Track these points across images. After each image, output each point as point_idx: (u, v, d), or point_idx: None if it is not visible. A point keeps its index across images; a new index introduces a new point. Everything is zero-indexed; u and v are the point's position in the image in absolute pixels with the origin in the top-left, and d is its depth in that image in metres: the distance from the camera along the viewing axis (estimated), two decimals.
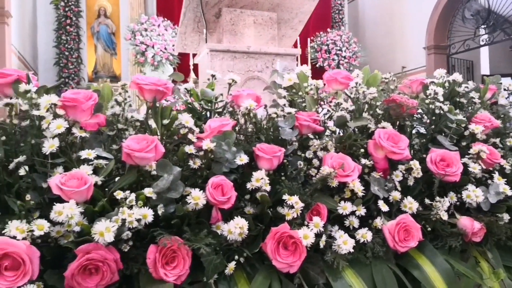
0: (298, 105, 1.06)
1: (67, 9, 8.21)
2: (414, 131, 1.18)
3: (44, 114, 0.84)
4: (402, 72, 1.23)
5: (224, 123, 0.94)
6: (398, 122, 1.14)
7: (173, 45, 7.00)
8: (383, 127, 1.06)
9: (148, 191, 0.82)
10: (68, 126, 0.81)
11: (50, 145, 0.80)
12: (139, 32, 6.86)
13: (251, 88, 1.05)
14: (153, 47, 6.80)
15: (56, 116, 0.83)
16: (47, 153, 0.80)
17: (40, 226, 0.73)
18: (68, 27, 8.24)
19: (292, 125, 0.98)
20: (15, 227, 0.72)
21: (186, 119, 0.93)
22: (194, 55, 7.34)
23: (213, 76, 1.05)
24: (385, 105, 1.10)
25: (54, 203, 0.75)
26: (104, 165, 0.86)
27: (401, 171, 1.02)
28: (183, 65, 7.35)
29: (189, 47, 2.35)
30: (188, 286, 0.81)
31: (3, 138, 0.83)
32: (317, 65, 8.49)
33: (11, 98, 0.87)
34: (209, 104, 1.01)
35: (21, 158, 0.81)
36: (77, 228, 0.76)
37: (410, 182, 1.03)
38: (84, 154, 0.82)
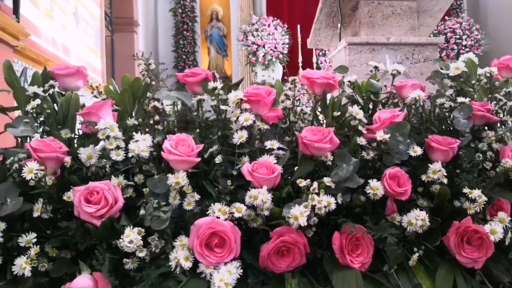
0: (468, 94, 1.01)
1: (183, 15, 8.83)
2: None
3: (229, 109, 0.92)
4: None
5: (396, 114, 0.93)
6: None
7: (283, 44, 7.12)
8: None
9: (327, 181, 0.85)
10: (254, 119, 0.88)
11: (239, 137, 0.87)
12: (250, 33, 7.11)
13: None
14: (264, 46, 7.00)
15: (242, 110, 0.90)
16: (236, 143, 0.87)
17: (239, 209, 0.80)
18: (185, 32, 8.86)
19: (467, 115, 0.94)
20: (217, 209, 0.80)
21: (356, 111, 0.94)
22: (304, 52, 7.40)
23: (376, 68, 1.05)
24: None
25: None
26: (282, 155, 0.91)
27: None
28: (292, 63, 7.45)
29: (321, 43, 2.38)
30: (370, 274, 0.83)
31: (197, 130, 0.93)
32: None
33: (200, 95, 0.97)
34: (374, 96, 1.01)
35: (214, 148, 0.89)
36: (266, 212, 0.82)
37: None
38: (269, 144, 0.88)
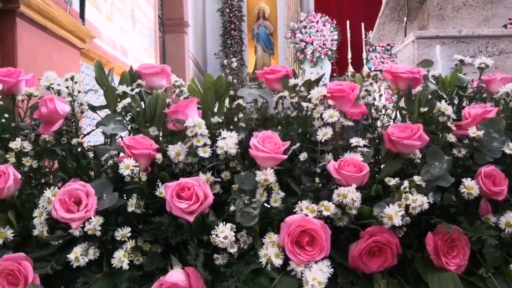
0: None
1: (231, 14, 8.93)
2: None
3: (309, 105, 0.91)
4: None
5: (488, 109, 0.89)
6: None
7: (332, 40, 7.02)
8: None
9: (417, 179, 0.82)
10: (339, 116, 0.86)
11: (324, 133, 0.86)
12: (298, 30, 7.06)
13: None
14: (312, 43, 6.93)
15: (325, 106, 0.89)
16: (321, 141, 0.86)
17: (327, 207, 0.79)
18: (232, 31, 8.96)
19: None
20: (305, 206, 0.79)
21: (445, 107, 0.90)
22: (353, 48, 7.27)
23: (461, 61, 1.00)
24: None
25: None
26: (366, 152, 0.89)
27: None
28: (341, 59, 7.34)
29: (385, 38, 2.32)
30: (466, 277, 0.79)
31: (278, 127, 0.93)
32: None
33: (278, 92, 0.96)
34: (462, 90, 0.96)
35: (296, 146, 0.88)
36: (354, 211, 0.80)
37: None
38: (354, 141, 0.86)
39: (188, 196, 0.78)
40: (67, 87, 0.88)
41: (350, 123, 0.89)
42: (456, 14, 1.91)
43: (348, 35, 7.26)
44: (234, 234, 0.75)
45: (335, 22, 7.35)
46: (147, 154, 0.83)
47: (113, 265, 0.76)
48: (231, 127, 0.91)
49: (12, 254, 0.75)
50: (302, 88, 0.93)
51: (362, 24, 7.34)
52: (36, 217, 0.80)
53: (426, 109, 0.91)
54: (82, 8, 2.71)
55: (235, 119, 0.91)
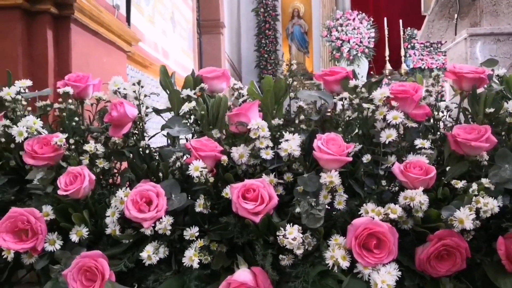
0: None
1: (266, 14, 8.94)
2: None
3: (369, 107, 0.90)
4: None
5: None
6: None
7: (369, 38, 6.91)
8: None
9: (485, 182, 0.80)
10: (403, 117, 0.85)
11: (387, 135, 0.85)
12: (334, 28, 6.99)
13: None
14: (348, 41, 6.85)
15: (388, 108, 0.88)
16: (383, 142, 0.86)
17: (394, 210, 0.78)
18: (266, 31, 8.96)
19: None
20: (370, 209, 0.79)
21: None
22: (391, 45, 7.13)
23: None
24: None
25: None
26: (430, 154, 0.88)
27: None
28: (378, 57, 7.21)
29: (434, 35, 2.27)
30: None
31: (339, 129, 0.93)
32: None
33: (338, 94, 0.97)
34: None
35: (357, 148, 0.88)
36: (421, 214, 0.79)
37: None
38: (418, 143, 0.86)
39: (254, 197, 0.80)
40: (134, 91, 0.92)
41: (414, 125, 0.88)
42: None
43: (386, 32, 7.13)
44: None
45: (372, 19, 7.23)
46: (213, 156, 0.85)
47: (184, 264, 0.78)
48: (292, 129, 0.92)
49: (89, 251, 0.79)
50: (363, 89, 0.93)
51: (400, 21, 7.19)
52: (108, 216, 0.83)
53: (492, 110, 0.89)
54: (128, 12, 2.79)
55: (296, 121, 0.91)
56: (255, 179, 0.83)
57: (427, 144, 0.85)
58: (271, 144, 0.87)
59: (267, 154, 0.86)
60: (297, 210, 0.79)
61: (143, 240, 0.85)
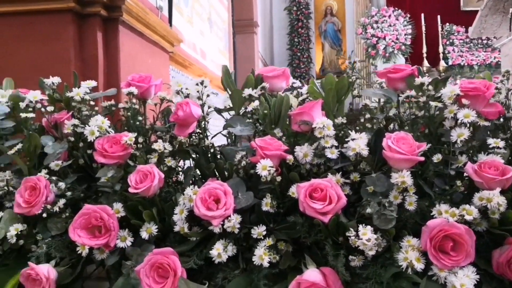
0: None
1: (298, 12, 8.89)
2: None
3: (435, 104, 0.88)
4: None
5: None
6: None
7: (406, 34, 6.76)
8: None
9: None
10: (475, 115, 0.82)
11: (459, 134, 0.82)
12: (370, 25, 6.88)
13: None
14: (384, 38, 6.72)
15: (459, 106, 0.85)
16: (454, 142, 0.83)
17: (469, 211, 0.76)
18: (299, 29, 8.92)
19: None
20: (444, 210, 0.77)
21: None
22: (428, 42, 6.94)
23: None
24: None
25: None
26: (503, 153, 0.84)
27: None
28: (416, 54, 7.04)
29: (486, 31, 2.19)
30: None
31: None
32: None
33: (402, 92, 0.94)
34: None
35: (427, 147, 0.86)
36: (497, 216, 0.76)
37: None
38: (492, 142, 0.83)
39: (322, 197, 0.79)
40: (198, 91, 0.93)
41: (486, 123, 0.85)
42: None
43: (423, 28, 6.94)
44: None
45: (408, 15, 7.07)
46: (278, 155, 0.85)
47: (253, 262, 0.78)
48: (357, 128, 0.90)
49: (161, 248, 0.80)
50: (430, 87, 0.91)
51: (438, 16, 6.99)
52: (176, 214, 0.85)
53: None
54: (170, 13, 2.83)
55: (362, 120, 0.90)
56: (321, 178, 0.82)
57: (501, 143, 0.82)
58: (335, 143, 0.86)
59: (332, 153, 0.85)
60: (368, 210, 0.78)
61: (209, 237, 0.86)
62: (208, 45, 4.21)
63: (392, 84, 0.97)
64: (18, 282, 0.86)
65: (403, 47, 6.71)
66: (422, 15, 6.96)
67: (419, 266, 0.73)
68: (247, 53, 6.81)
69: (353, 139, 0.84)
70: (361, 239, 0.73)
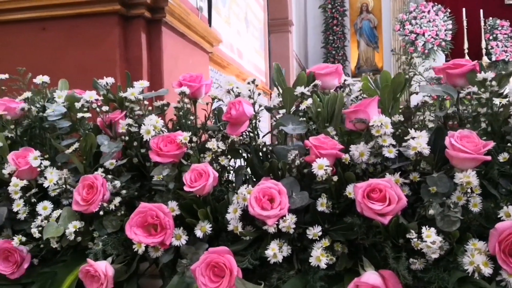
0: None
1: (333, 10, 8.78)
2: None
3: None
4: None
5: None
6: None
7: (446, 30, 6.54)
8: None
9: None
10: None
11: None
12: (408, 22, 6.70)
13: None
14: (423, 34, 6.52)
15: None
16: None
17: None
18: (334, 27, 8.80)
19: None
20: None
21: None
22: (470, 37, 6.68)
23: None
24: None
25: None
26: None
27: None
28: (457, 50, 6.80)
29: None
30: None
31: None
32: None
33: (462, 88, 0.90)
34: None
35: (493, 145, 0.82)
36: None
37: None
38: None
39: (380, 198, 0.77)
40: (249, 90, 0.92)
41: None
42: None
43: (464, 23, 6.70)
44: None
45: (449, 10, 6.83)
46: (334, 154, 0.83)
47: (310, 263, 0.77)
48: (416, 126, 0.87)
49: (216, 247, 0.80)
50: (493, 83, 0.86)
51: (481, 10, 6.72)
52: (229, 212, 0.84)
53: None
54: (209, 14, 2.86)
55: (421, 118, 0.87)
56: (379, 178, 0.80)
57: None
58: (393, 142, 0.84)
59: (390, 152, 0.83)
60: (431, 212, 0.75)
61: (261, 237, 0.85)
62: (244, 45, 4.22)
63: (451, 80, 0.92)
64: (77, 278, 0.88)
65: (443, 43, 6.50)
66: (464, 9, 6.71)
67: (487, 270, 0.70)
68: (281, 52, 6.78)
69: (413, 138, 0.81)
70: (425, 241, 0.70)
